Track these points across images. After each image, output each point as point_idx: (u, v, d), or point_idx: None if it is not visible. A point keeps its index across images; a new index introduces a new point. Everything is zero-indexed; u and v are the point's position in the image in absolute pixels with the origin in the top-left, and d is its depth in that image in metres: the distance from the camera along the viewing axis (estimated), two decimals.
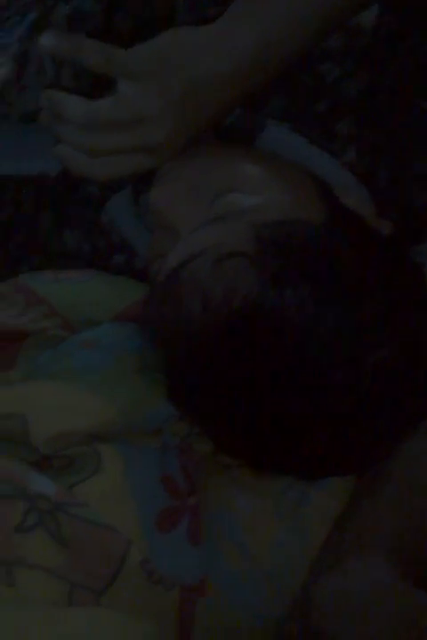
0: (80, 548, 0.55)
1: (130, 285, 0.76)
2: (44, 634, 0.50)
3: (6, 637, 0.50)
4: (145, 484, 0.59)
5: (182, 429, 0.65)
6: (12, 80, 0.66)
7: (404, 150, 0.77)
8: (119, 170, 0.65)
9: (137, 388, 0.65)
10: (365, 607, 0.51)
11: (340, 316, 0.56)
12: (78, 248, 0.81)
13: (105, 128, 0.62)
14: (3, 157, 0.85)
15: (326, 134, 0.78)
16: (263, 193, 0.63)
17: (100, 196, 0.83)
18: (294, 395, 0.57)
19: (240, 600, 0.57)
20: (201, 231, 0.61)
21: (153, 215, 0.67)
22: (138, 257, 0.80)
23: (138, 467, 0.60)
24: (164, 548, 0.57)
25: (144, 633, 0.52)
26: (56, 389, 0.63)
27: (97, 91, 0.66)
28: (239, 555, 0.59)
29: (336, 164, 0.75)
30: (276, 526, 0.60)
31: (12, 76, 0.66)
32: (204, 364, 0.58)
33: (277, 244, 0.58)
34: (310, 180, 0.67)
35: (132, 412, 0.64)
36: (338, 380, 0.56)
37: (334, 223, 0.62)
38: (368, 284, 0.59)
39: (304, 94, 0.81)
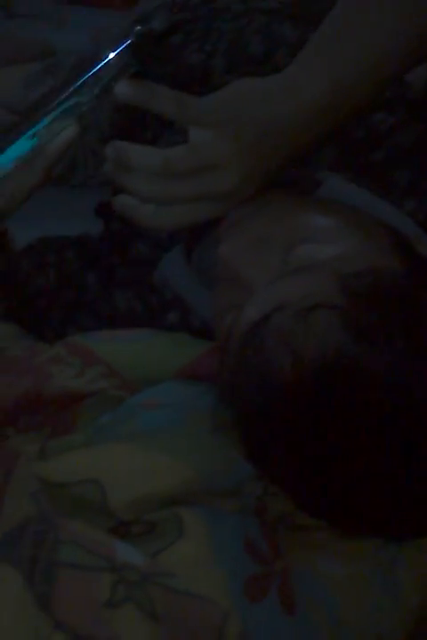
0: (174, 621, 0.51)
1: (189, 342, 0.75)
2: None
3: None
4: (230, 550, 0.57)
5: (258, 489, 0.62)
6: (76, 143, 0.64)
7: None
8: (187, 218, 0.63)
9: (212, 447, 0.63)
10: None
11: None
12: (130, 308, 0.80)
13: (177, 176, 0.60)
14: (45, 219, 0.84)
15: (384, 184, 0.77)
16: (340, 242, 0.62)
17: (150, 255, 0.81)
18: (386, 454, 0.55)
19: None
20: (281, 282, 0.59)
21: (222, 267, 0.65)
22: (193, 314, 0.78)
23: (221, 531, 0.58)
24: (258, 619, 0.54)
25: None
26: (130, 452, 0.61)
27: None
28: (332, 624, 0.55)
29: (399, 213, 0.74)
30: (371, 591, 0.57)
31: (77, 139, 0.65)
32: (291, 419, 0.56)
33: (364, 294, 0.56)
34: (383, 228, 0.66)
35: (210, 472, 0.61)
36: None
37: (414, 271, 0.60)
38: None
39: (357, 145, 0.80)
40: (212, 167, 0.60)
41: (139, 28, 0.64)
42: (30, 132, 0.63)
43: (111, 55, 0.62)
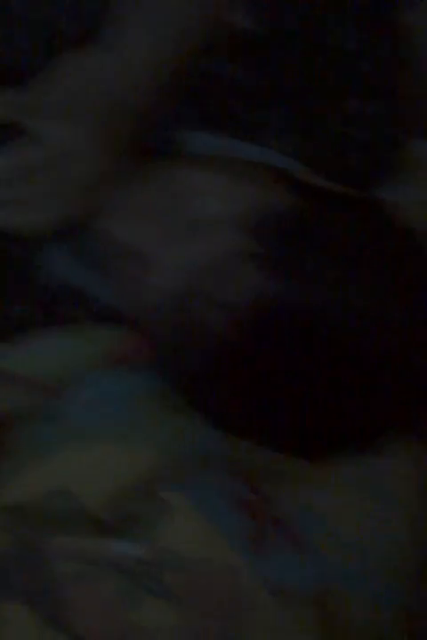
0: (194, 598, 0.49)
1: (96, 331, 0.71)
2: None
3: None
4: (222, 513, 0.55)
5: (225, 450, 0.60)
6: None
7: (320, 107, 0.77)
8: (58, 211, 0.60)
9: (169, 424, 0.61)
10: None
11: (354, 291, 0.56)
12: (23, 312, 0.74)
13: (30, 174, 0.58)
14: None
15: (249, 129, 0.77)
16: (229, 192, 0.61)
17: (25, 254, 0.77)
18: (326, 371, 0.56)
19: (362, 590, 0.53)
20: (188, 246, 0.59)
21: (115, 247, 0.63)
22: (90, 300, 0.74)
23: (207, 499, 0.56)
24: (272, 567, 0.52)
25: None
26: (90, 451, 0.57)
27: None
28: (339, 547, 0.55)
29: (270, 152, 0.74)
30: (367, 508, 0.58)
31: None
32: (241, 367, 0.56)
33: (266, 234, 0.57)
34: (262, 169, 0.66)
35: (175, 449, 0.59)
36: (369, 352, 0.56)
37: (307, 200, 0.61)
38: (366, 249, 0.59)
39: (212, 99, 0.80)
40: (66, 157, 0.58)
41: None
42: None
43: None
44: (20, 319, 0.73)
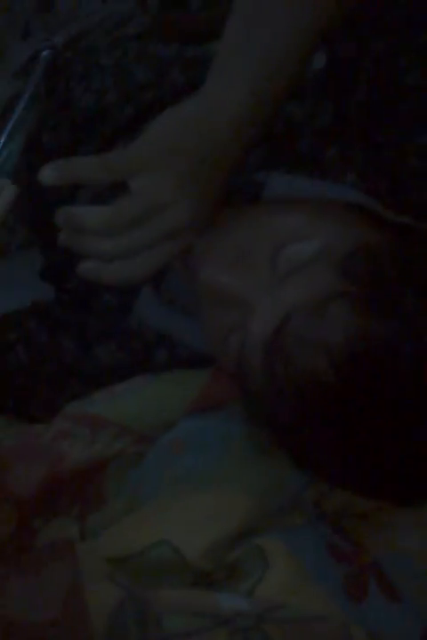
0: None
1: (188, 375, 0.73)
2: None
3: None
4: (318, 562, 0.56)
5: (312, 495, 0.62)
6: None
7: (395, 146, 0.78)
8: (152, 263, 0.62)
9: (261, 470, 0.62)
10: None
11: None
12: (114, 360, 0.77)
13: (129, 227, 0.59)
14: None
15: (318, 169, 0.78)
16: (319, 233, 0.62)
17: (119, 302, 0.79)
18: None
19: None
20: (282, 289, 0.59)
21: (207, 292, 0.64)
22: (179, 346, 0.77)
23: (301, 547, 0.57)
24: (370, 617, 0.53)
25: None
26: (187, 501, 0.59)
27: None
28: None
29: (347, 188, 0.75)
30: None
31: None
32: (339, 410, 0.56)
33: (362, 273, 0.57)
34: (344, 207, 0.67)
35: (269, 496, 0.61)
36: None
37: (392, 236, 0.62)
38: None
39: (281, 140, 0.81)
40: (159, 207, 0.59)
41: (45, 52, 0.62)
42: None
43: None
44: (113, 365, 0.75)
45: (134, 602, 0.51)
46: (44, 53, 0.59)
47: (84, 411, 0.71)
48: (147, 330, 0.77)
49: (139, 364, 0.77)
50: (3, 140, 0.59)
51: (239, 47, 0.64)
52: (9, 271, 0.92)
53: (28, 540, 0.64)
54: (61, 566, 0.55)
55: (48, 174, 0.57)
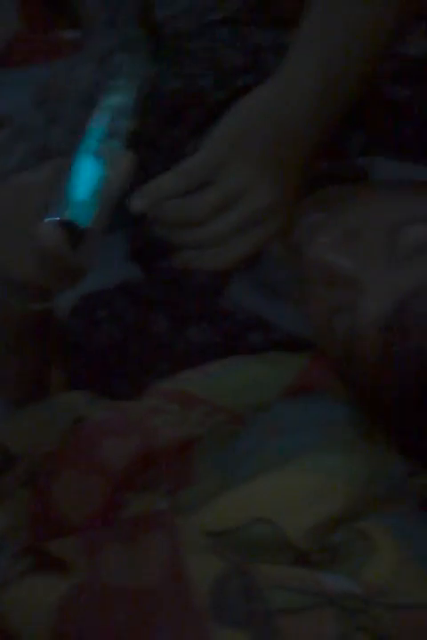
0: (404, 636, 0.47)
1: (283, 358, 0.72)
2: None
3: None
4: (423, 547, 0.53)
5: (416, 484, 0.59)
6: None
7: None
8: (243, 249, 0.63)
9: (364, 456, 0.60)
10: None
11: None
12: (206, 340, 0.76)
13: (212, 216, 0.60)
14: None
15: (424, 154, 0.76)
16: None
17: (212, 283, 0.78)
18: None
19: None
20: (405, 268, 0.57)
21: (314, 271, 0.63)
22: (274, 329, 0.75)
23: (408, 533, 0.55)
24: None
25: None
26: (289, 481, 0.57)
27: None
28: None
29: None
30: None
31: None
32: None
33: None
34: None
35: (371, 482, 0.59)
36: None
37: None
38: None
39: (383, 124, 0.80)
40: (238, 194, 0.60)
41: None
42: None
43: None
44: (205, 346, 0.74)
45: (239, 574, 0.49)
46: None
47: (177, 388, 0.69)
48: (240, 311, 0.76)
49: (231, 346, 0.75)
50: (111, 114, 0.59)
51: (317, 35, 0.64)
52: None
53: (118, 512, 0.63)
54: (159, 536, 0.53)
55: (138, 204, 0.59)
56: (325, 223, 0.63)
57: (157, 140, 0.97)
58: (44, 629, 0.48)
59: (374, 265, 0.60)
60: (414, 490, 0.60)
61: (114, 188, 0.56)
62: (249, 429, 0.66)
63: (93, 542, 0.54)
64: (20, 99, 1.42)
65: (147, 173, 0.93)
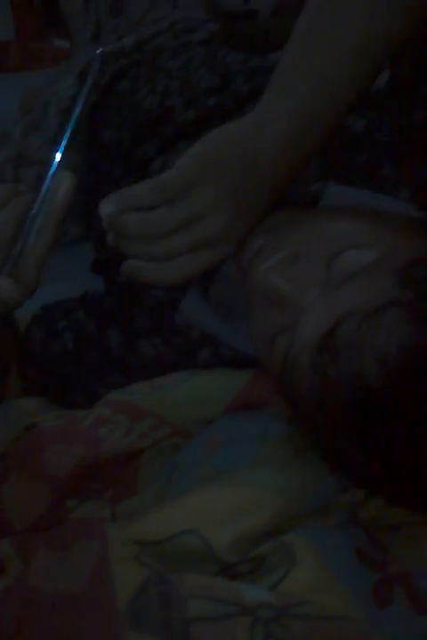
0: None
1: (229, 374, 0.74)
2: None
3: None
4: (346, 565, 0.56)
5: (347, 499, 0.61)
6: None
7: None
8: (191, 268, 0.64)
9: (297, 471, 0.62)
10: None
11: None
12: (158, 354, 0.78)
13: (168, 233, 0.61)
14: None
15: (375, 182, 0.78)
16: (379, 242, 0.62)
17: (166, 299, 0.80)
18: None
19: None
20: (338, 292, 0.59)
21: (257, 293, 0.65)
22: (223, 346, 0.77)
23: (330, 548, 0.57)
24: (393, 626, 0.52)
25: None
26: (219, 494, 0.59)
27: None
28: None
29: (401, 203, 0.75)
30: None
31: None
32: (385, 417, 0.56)
33: (422, 282, 0.56)
34: (403, 219, 0.67)
35: (301, 498, 0.61)
36: None
37: None
38: None
39: (338, 152, 0.82)
40: (199, 216, 0.61)
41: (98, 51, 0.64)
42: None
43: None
44: (156, 360, 0.77)
45: (159, 582, 0.51)
46: (97, 52, 0.61)
47: (125, 399, 0.72)
48: (192, 328, 0.78)
49: (182, 361, 0.78)
50: (65, 137, 0.61)
51: (297, 67, 0.65)
52: (62, 263, 0.94)
53: (60, 518, 0.65)
54: (90, 543, 0.55)
55: (107, 207, 0.60)
56: (269, 246, 0.65)
57: (129, 152, 0.99)
58: None
59: (311, 288, 0.62)
60: (344, 507, 0.62)
61: (55, 209, 0.58)
62: (191, 443, 0.68)
63: (27, 545, 0.56)
64: (8, 106, 1.45)
65: (115, 183, 0.95)
